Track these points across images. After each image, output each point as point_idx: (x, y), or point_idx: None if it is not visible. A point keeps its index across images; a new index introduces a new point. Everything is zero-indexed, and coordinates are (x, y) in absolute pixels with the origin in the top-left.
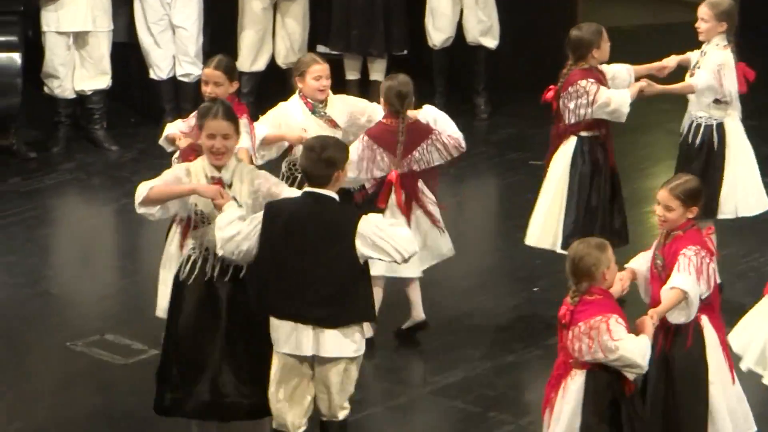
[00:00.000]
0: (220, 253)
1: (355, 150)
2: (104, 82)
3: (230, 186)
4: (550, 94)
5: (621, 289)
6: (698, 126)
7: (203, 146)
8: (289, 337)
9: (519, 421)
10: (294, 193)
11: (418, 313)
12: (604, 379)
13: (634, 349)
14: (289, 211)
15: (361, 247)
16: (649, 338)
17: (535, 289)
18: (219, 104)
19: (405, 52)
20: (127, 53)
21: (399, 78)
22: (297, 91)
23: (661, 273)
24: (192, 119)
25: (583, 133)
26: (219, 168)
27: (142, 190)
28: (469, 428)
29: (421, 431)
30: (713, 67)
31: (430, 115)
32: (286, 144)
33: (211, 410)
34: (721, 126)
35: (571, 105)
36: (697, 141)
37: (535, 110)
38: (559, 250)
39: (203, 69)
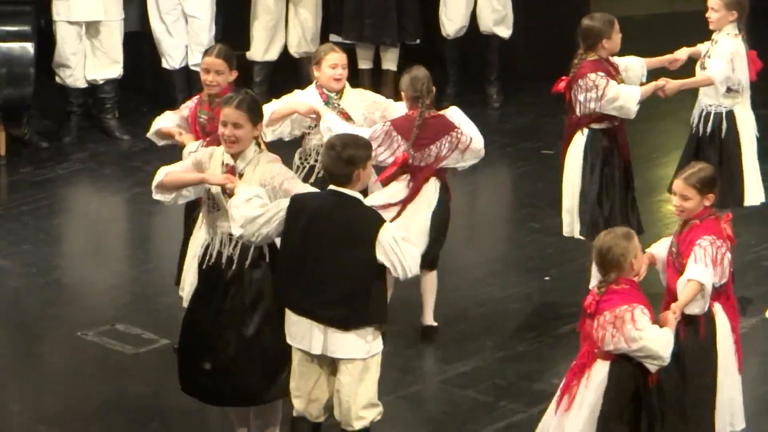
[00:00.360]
0: (237, 232)
1: (371, 129)
2: (116, 71)
3: (242, 176)
4: (561, 85)
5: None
6: (708, 114)
7: (218, 133)
8: (304, 334)
9: (530, 410)
10: (307, 189)
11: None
12: (628, 370)
13: (657, 340)
14: (313, 207)
15: (378, 254)
16: (672, 332)
17: (546, 278)
18: (241, 94)
19: (417, 41)
20: (139, 42)
21: (416, 68)
22: (314, 82)
23: (675, 260)
24: (184, 110)
25: (595, 126)
26: (235, 156)
27: (159, 175)
28: (480, 417)
29: (432, 420)
30: (727, 57)
31: (455, 117)
32: (296, 132)
33: (213, 395)
34: (731, 114)
35: (581, 98)
36: (708, 130)
37: (547, 100)
38: (577, 236)
39: (204, 58)
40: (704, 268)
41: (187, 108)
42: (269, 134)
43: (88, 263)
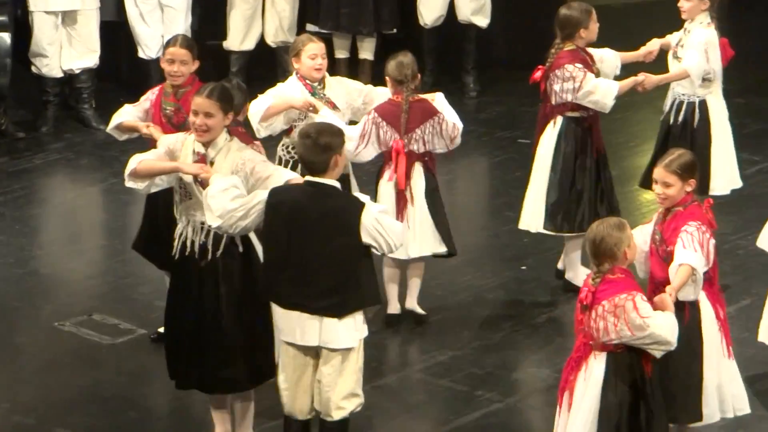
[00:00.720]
0: (215, 223)
1: (360, 125)
2: (92, 60)
3: (212, 164)
4: (538, 74)
5: None
6: (681, 103)
7: (189, 122)
8: (295, 327)
9: (507, 399)
10: (283, 172)
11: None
12: (626, 360)
13: (664, 326)
14: (292, 200)
15: (364, 238)
16: (672, 314)
17: (522, 267)
18: (214, 84)
19: (394, 30)
20: (115, 32)
21: (401, 53)
22: (294, 73)
23: (658, 248)
24: (145, 102)
25: (570, 114)
26: (206, 145)
27: (132, 163)
28: (456, 407)
29: (408, 411)
30: (701, 48)
31: (438, 103)
32: (285, 126)
33: (193, 382)
34: (703, 103)
35: (557, 88)
36: (680, 119)
37: (524, 89)
38: (541, 230)
39: (167, 48)
40: (694, 252)
41: (148, 100)
42: (263, 130)
43: (65, 253)
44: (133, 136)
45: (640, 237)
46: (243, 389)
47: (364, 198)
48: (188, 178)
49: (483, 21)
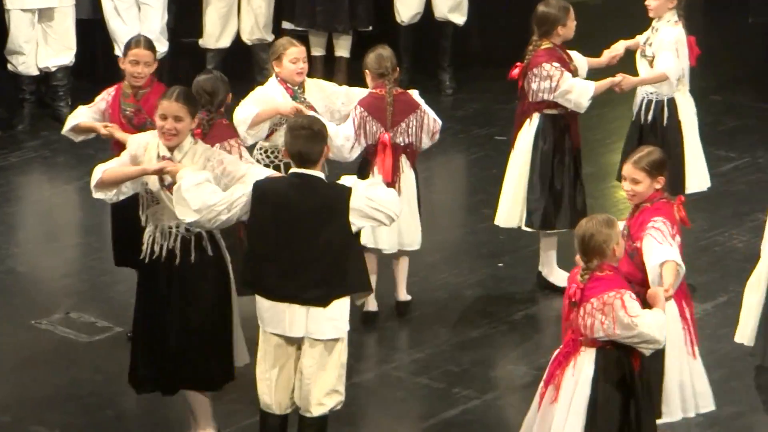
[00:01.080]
0: (191, 218)
1: (350, 122)
2: (68, 57)
3: None
4: (516, 72)
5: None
6: (650, 102)
7: (156, 126)
8: (283, 318)
9: (484, 396)
10: (259, 168)
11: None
12: (614, 356)
13: (652, 324)
14: (278, 194)
15: (356, 221)
16: (663, 311)
17: (499, 264)
18: (180, 87)
19: (370, 28)
20: (92, 30)
21: (380, 46)
22: (273, 76)
23: (625, 243)
24: (101, 103)
25: (547, 111)
26: (171, 148)
27: (97, 173)
28: (433, 404)
29: (386, 408)
30: (673, 48)
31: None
32: (268, 131)
33: (157, 384)
34: (672, 101)
35: (534, 86)
36: (650, 117)
37: (500, 86)
38: (523, 227)
39: (130, 50)
40: (670, 247)
41: (103, 101)
42: (250, 138)
43: (42, 251)
44: (89, 137)
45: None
46: (216, 388)
47: (350, 181)
48: (155, 186)
49: (460, 18)
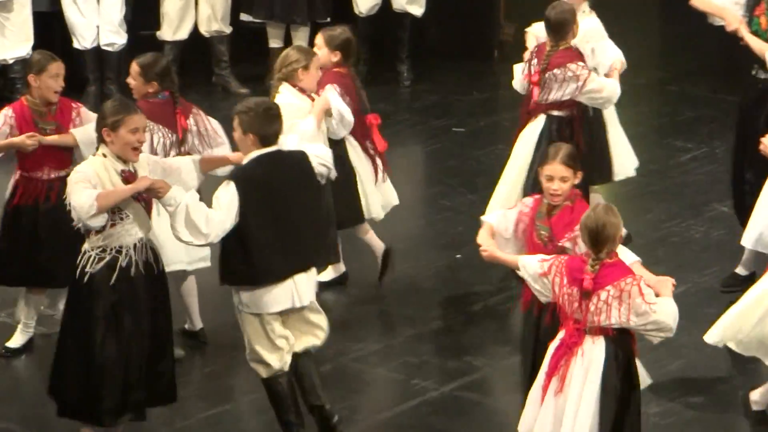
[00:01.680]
0: (200, 241)
1: (338, 98)
2: (25, 49)
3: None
4: (536, 78)
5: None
6: None
7: (122, 141)
8: (288, 294)
9: (442, 388)
10: (187, 158)
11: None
12: (621, 343)
13: (669, 312)
14: (261, 179)
15: (320, 169)
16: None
17: (458, 256)
18: (131, 101)
19: (328, 19)
20: (50, 22)
21: (340, 28)
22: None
23: (547, 244)
24: (2, 128)
25: (554, 113)
26: (125, 162)
27: (88, 204)
28: (392, 396)
29: (344, 398)
30: (605, 35)
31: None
32: None
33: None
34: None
35: (555, 86)
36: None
37: (458, 78)
38: None
39: (51, 64)
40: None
41: (5, 125)
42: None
43: None
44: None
45: (502, 223)
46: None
47: (294, 143)
48: (125, 202)
49: (418, 10)
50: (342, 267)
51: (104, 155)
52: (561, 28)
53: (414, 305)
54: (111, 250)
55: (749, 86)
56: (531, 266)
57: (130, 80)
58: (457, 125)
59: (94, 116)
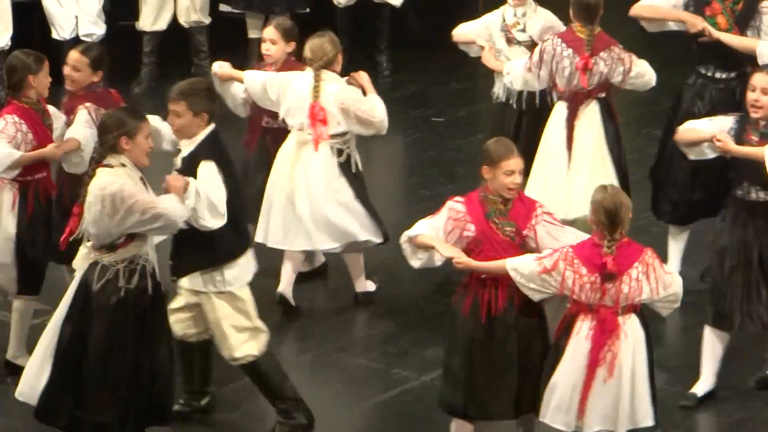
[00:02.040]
0: (221, 221)
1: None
2: (4, 39)
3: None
4: (591, 63)
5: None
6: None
7: (140, 148)
8: (251, 259)
9: (422, 377)
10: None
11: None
12: (643, 315)
13: (680, 282)
14: (223, 149)
15: None
16: None
17: None
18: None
19: (307, 10)
20: (29, 13)
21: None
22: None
23: (515, 239)
24: (9, 128)
25: (602, 95)
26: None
27: (182, 207)
28: (372, 385)
29: (325, 388)
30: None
31: None
32: None
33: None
34: None
35: (605, 69)
36: (523, 104)
37: (437, 68)
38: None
39: (45, 60)
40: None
41: (11, 127)
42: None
43: None
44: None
45: (432, 233)
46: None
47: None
48: None
49: (397, 0)
50: (322, 257)
51: (123, 164)
52: (596, 12)
53: (393, 295)
54: (138, 259)
55: (700, 87)
56: (526, 266)
57: (72, 72)
58: (436, 115)
59: (58, 113)
